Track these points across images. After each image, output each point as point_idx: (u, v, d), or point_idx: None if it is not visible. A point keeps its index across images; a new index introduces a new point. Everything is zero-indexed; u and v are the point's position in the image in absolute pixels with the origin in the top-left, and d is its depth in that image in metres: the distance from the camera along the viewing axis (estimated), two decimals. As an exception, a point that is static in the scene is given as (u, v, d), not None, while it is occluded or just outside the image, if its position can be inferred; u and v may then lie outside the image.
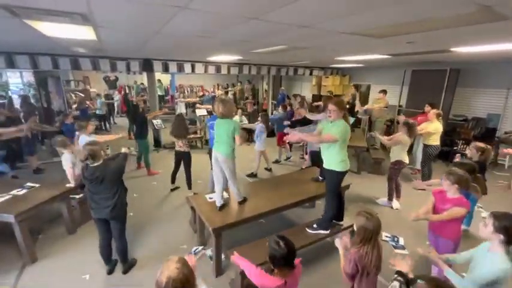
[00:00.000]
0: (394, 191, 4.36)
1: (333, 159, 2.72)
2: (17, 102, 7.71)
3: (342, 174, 2.76)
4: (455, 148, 6.44)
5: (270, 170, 5.88)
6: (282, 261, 1.64)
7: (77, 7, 2.00)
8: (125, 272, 2.87)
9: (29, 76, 10.11)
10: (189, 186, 4.67)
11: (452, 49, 4.07)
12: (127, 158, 2.87)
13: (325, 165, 2.81)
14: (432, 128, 4.77)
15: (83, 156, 2.57)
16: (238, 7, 1.99)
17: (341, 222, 3.09)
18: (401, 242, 3.44)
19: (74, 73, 12.06)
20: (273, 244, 1.65)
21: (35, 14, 2.07)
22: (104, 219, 2.70)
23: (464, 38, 3.17)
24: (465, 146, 6.24)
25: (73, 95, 10.56)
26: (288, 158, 6.61)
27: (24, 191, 3.30)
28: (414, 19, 2.22)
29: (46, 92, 7.55)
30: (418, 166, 5.62)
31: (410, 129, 3.98)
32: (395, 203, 4.38)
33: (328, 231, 2.96)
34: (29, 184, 3.46)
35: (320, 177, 3.65)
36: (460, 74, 6.73)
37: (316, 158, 4.97)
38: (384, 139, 4.31)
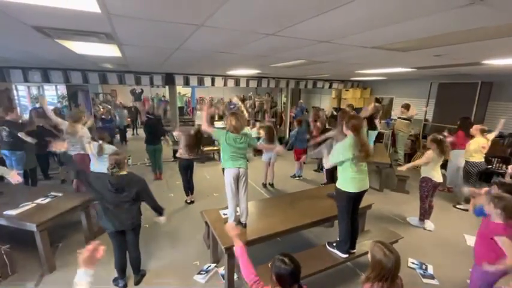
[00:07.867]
0: (426, 210, 4.05)
1: (339, 176, 2.69)
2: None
3: (343, 194, 2.62)
4: (489, 167, 5.92)
5: (270, 185, 5.66)
6: (290, 279, 1.57)
7: (101, 27, 2.09)
8: (138, 283, 2.87)
9: (63, 89, 10.88)
10: (192, 192, 4.92)
11: (484, 62, 3.81)
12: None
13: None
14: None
15: (109, 164, 2.61)
16: (254, 24, 1.98)
17: (353, 251, 2.84)
18: (431, 270, 3.13)
19: (103, 86, 12.83)
20: (278, 263, 1.60)
21: (64, 34, 2.19)
22: (121, 231, 2.71)
23: (500, 51, 2.95)
24: (501, 164, 5.74)
25: (101, 107, 11.16)
26: (296, 176, 6.33)
27: (47, 199, 3.42)
28: (445, 32, 2.09)
29: (76, 104, 8.03)
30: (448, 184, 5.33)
31: (440, 146, 3.74)
32: (429, 224, 4.06)
33: (345, 255, 2.76)
34: (52, 193, 3.59)
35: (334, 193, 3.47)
36: (493, 87, 6.30)
37: (331, 174, 4.78)
38: (414, 164, 4.15)
